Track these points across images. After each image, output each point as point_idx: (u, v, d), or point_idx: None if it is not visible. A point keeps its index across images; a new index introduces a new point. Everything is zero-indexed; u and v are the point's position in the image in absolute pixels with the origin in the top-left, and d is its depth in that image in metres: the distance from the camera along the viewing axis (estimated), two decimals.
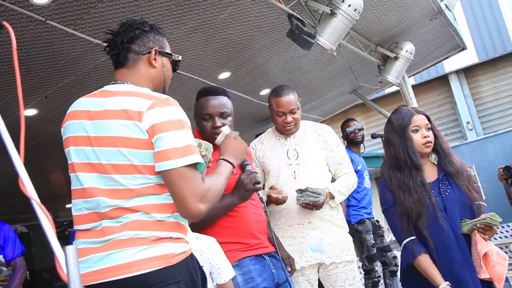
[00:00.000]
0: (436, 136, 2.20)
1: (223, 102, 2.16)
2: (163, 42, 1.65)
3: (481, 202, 2.14)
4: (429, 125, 2.19)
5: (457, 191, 2.14)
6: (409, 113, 2.20)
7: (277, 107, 2.65)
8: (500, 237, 7.86)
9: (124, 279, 1.35)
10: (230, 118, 2.15)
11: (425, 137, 2.15)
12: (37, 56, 3.25)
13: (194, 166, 1.44)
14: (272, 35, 4.19)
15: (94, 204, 1.45)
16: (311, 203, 2.48)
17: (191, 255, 1.50)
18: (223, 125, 2.08)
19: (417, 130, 2.17)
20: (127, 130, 1.42)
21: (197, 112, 2.17)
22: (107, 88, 1.56)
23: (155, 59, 1.60)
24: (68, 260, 0.93)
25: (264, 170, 2.72)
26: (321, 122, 7.91)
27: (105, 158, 1.44)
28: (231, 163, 1.66)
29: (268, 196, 2.47)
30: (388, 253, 4.21)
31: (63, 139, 1.56)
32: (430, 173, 2.20)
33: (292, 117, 2.64)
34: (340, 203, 2.75)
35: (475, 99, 10.74)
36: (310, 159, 2.66)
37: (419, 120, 2.19)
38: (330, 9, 3.73)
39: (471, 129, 10.47)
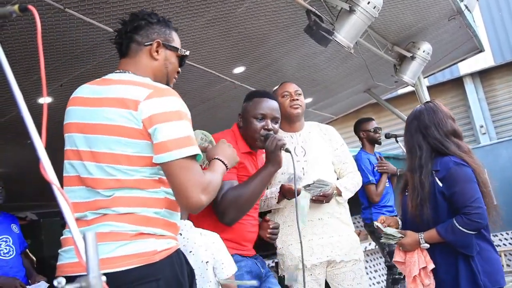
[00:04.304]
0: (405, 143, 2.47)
1: (276, 107, 2.30)
2: (170, 35, 1.63)
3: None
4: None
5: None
6: None
7: (281, 90, 2.76)
8: (510, 243, 7.76)
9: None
10: (278, 125, 2.30)
11: None
12: (54, 44, 3.25)
13: (194, 157, 1.43)
14: (289, 30, 4.16)
15: (80, 193, 1.45)
16: (321, 194, 2.47)
17: (177, 252, 1.49)
18: (272, 130, 2.22)
19: None
20: (122, 119, 1.42)
21: (249, 110, 2.26)
22: (109, 76, 1.57)
23: (157, 51, 1.59)
24: (87, 247, 0.93)
25: None
26: (333, 121, 7.92)
27: (98, 146, 1.43)
28: (224, 164, 1.69)
29: (282, 187, 2.52)
30: None
31: (64, 124, 1.57)
32: None
33: (298, 99, 2.72)
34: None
35: (489, 102, 10.62)
36: (317, 156, 2.67)
37: None
38: (349, 6, 3.69)
39: (484, 133, 10.36)
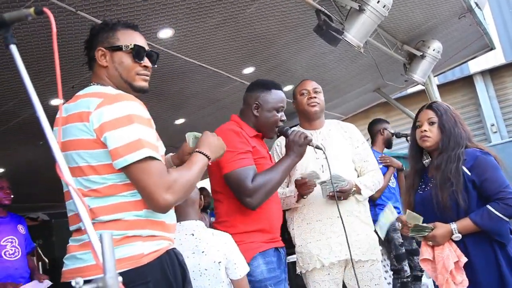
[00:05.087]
0: (444, 133, 2.28)
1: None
2: (113, 37, 1.61)
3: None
4: (432, 120, 2.30)
5: (430, 191, 2.27)
6: (420, 109, 2.39)
7: (300, 87, 2.80)
8: None
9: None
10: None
11: (422, 131, 2.30)
12: (66, 46, 3.28)
13: (151, 159, 1.44)
14: (298, 30, 4.16)
15: (73, 206, 1.49)
16: (338, 190, 2.46)
17: (168, 252, 1.50)
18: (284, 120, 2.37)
19: (420, 125, 2.33)
20: (80, 132, 1.46)
21: (271, 101, 2.34)
22: (79, 92, 1.61)
23: (103, 56, 1.60)
24: (104, 248, 0.94)
25: None
26: (343, 121, 7.88)
27: (70, 162, 1.48)
28: (206, 156, 1.65)
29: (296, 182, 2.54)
30: (415, 257, 4.08)
31: None
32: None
33: (316, 96, 2.74)
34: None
35: (500, 101, 10.53)
36: (337, 154, 2.65)
37: (421, 115, 2.35)
38: (359, 5, 3.68)
39: (495, 132, 10.27)
